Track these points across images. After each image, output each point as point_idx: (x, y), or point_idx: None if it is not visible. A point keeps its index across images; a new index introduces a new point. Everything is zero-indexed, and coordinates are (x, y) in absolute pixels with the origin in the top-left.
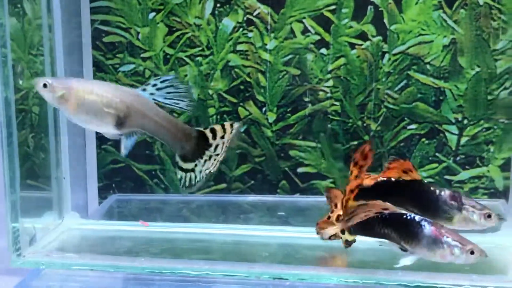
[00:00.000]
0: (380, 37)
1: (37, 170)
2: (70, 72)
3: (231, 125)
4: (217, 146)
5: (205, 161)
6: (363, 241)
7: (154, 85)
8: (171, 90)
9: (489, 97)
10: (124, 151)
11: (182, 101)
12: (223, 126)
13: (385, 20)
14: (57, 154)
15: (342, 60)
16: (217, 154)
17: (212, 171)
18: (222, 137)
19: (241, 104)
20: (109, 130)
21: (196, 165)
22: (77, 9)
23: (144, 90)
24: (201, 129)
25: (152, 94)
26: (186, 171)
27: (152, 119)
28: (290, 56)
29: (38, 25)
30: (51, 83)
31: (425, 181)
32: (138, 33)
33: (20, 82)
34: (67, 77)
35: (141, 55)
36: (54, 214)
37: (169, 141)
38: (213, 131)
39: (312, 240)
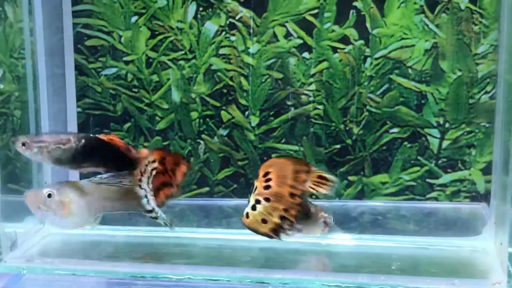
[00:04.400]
0: (362, 41)
1: (19, 174)
2: (52, 75)
3: None
4: None
5: None
6: (345, 245)
7: None
8: None
9: (471, 101)
10: None
11: None
12: None
13: (367, 24)
14: None
15: (324, 64)
16: None
17: None
18: None
19: (223, 107)
20: None
21: None
22: (59, 12)
23: None
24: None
25: None
26: None
27: None
28: (272, 60)
29: (19, 28)
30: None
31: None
32: (120, 36)
33: (1, 86)
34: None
35: (124, 59)
36: (35, 219)
37: None
38: None
39: (295, 244)
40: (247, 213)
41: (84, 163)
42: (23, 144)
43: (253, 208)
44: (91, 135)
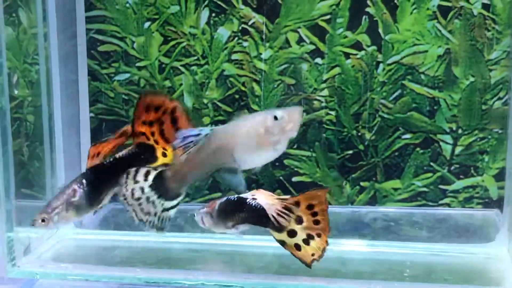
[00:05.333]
0: (374, 47)
1: (32, 179)
2: (65, 80)
3: None
4: None
5: None
6: (358, 252)
7: None
8: None
9: (483, 107)
10: None
11: None
12: None
13: (380, 30)
14: (52, 163)
15: (337, 70)
16: None
17: None
18: None
19: (235, 113)
20: None
21: None
22: (72, 18)
23: None
24: None
25: None
26: None
27: None
28: (285, 66)
29: (33, 34)
30: None
31: None
32: (133, 42)
33: (16, 91)
34: None
35: (136, 64)
36: None
37: None
38: None
39: None
40: (298, 245)
41: (106, 190)
42: (43, 220)
43: (306, 242)
44: (86, 169)
